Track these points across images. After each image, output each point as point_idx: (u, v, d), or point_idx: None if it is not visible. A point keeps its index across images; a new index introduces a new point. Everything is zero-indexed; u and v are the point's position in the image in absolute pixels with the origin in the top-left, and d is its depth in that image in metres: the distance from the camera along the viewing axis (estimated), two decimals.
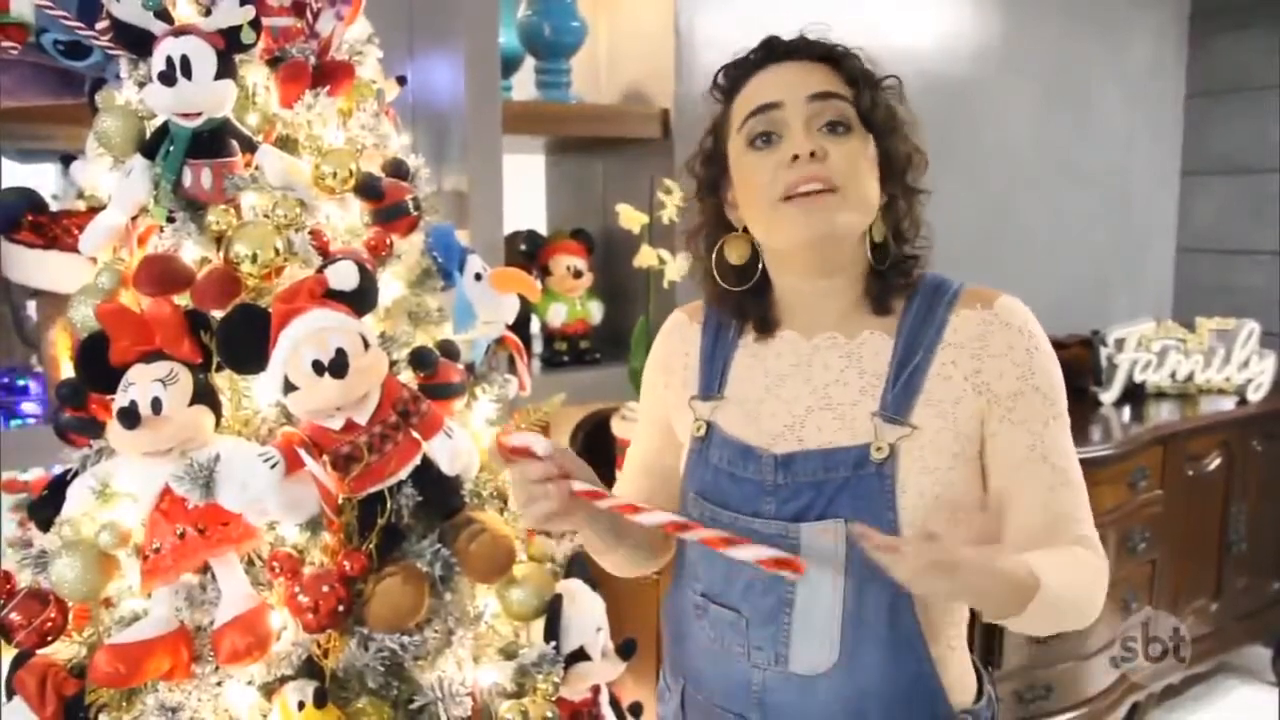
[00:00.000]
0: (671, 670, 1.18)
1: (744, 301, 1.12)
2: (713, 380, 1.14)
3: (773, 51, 1.07)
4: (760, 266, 1.11)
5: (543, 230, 2.55)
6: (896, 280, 1.07)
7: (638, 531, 1.13)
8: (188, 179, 1.21)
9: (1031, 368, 1.02)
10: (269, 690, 1.17)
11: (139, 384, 1.13)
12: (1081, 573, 0.99)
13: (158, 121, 1.23)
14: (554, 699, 1.30)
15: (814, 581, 1.02)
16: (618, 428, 2.16)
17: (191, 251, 1.22)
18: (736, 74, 1.10)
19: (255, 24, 1.21)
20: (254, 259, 1.17)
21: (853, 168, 1.01)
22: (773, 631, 1.04)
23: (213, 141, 1.21)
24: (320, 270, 1.17)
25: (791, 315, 1.11)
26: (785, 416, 1.07)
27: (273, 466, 1.10)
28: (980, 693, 1.09)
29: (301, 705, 1.13)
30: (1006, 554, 0.90)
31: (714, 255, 1.12)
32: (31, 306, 1.76)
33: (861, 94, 1.04)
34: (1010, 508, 1.04)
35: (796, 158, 1.00)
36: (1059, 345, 3.32)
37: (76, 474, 1.22)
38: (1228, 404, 3.08)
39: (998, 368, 1.02)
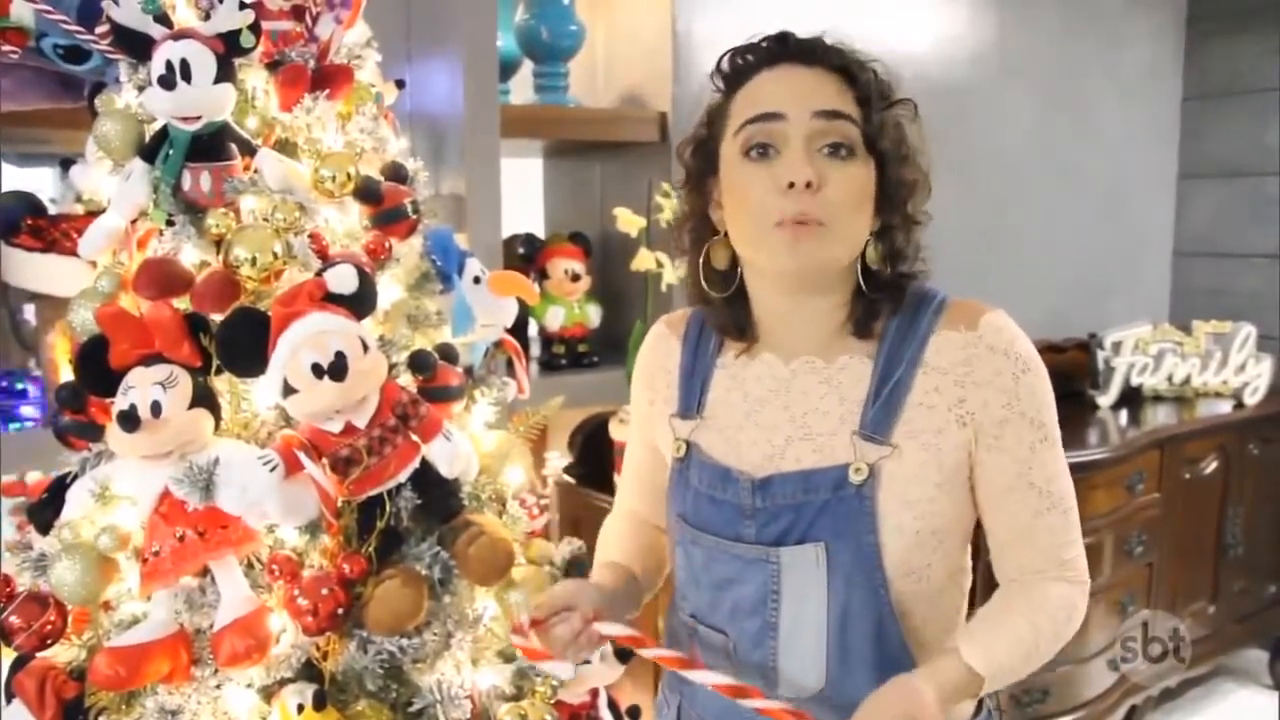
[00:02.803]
0: (669, 685, 1.18)
1: (726, 307, 1.08)
2: (692, 399, 1.12)
3: (785, 49, 1.01)
4: (740, 275, 1.06)
5: (541, 233, 2.56)
6: (885, 303, 1.02)
7: (646, 589, 1.18)
8: (187, 182, 1.21)
9: (1018, 393, 0.98)
10: (268, 693, 1.17)
11: (138, 387, 1.13)
12: (1040, 619, 1.01)
13: (157, 125, 1.23)
14: (553, 702, 1.30)
15: (797, 605, 1.01)
16: (616, 431, 2.16)
17: (191, 255, 1.22)
18: (743, 66, 1.03)
19: (254, 28, 1.21)
20: (253, 262, 1.17)
21: (847, 200, 0.96)
22: (760, 655, 1.04)
23: (212, 145, 1.21)
24: (319, 273, 1.17)
25: (769, 335, 1.07)
26: (765, 446, 1.05)
27: (272, 469, 1.10)
28: (979, 705, 1.08)
29: (301, 708, 1.13)
30: (937, 665, 0.95)
31: (700, 260, 1.07)
32: (30, 310, 1.77)
33: (871, 116, 0.98)
34: (997, 534, 1.04)
35: (792, 185, 0.95)
36: (1056, 349, 3.33)
37: (76, 477, 1.22)
38: (1224, 407, 3.08)
39: (982, 396, 0.98)
